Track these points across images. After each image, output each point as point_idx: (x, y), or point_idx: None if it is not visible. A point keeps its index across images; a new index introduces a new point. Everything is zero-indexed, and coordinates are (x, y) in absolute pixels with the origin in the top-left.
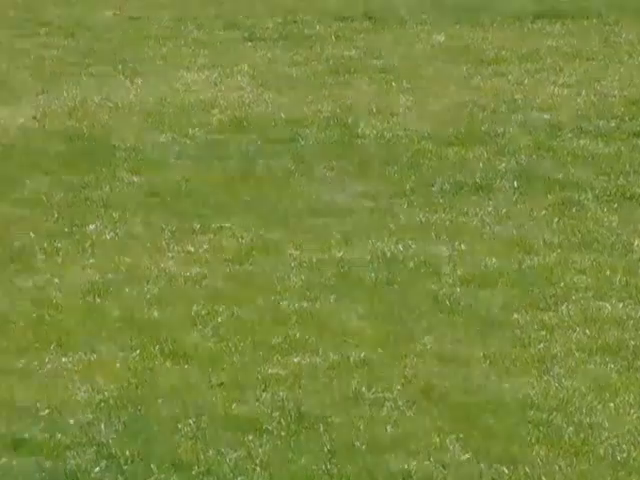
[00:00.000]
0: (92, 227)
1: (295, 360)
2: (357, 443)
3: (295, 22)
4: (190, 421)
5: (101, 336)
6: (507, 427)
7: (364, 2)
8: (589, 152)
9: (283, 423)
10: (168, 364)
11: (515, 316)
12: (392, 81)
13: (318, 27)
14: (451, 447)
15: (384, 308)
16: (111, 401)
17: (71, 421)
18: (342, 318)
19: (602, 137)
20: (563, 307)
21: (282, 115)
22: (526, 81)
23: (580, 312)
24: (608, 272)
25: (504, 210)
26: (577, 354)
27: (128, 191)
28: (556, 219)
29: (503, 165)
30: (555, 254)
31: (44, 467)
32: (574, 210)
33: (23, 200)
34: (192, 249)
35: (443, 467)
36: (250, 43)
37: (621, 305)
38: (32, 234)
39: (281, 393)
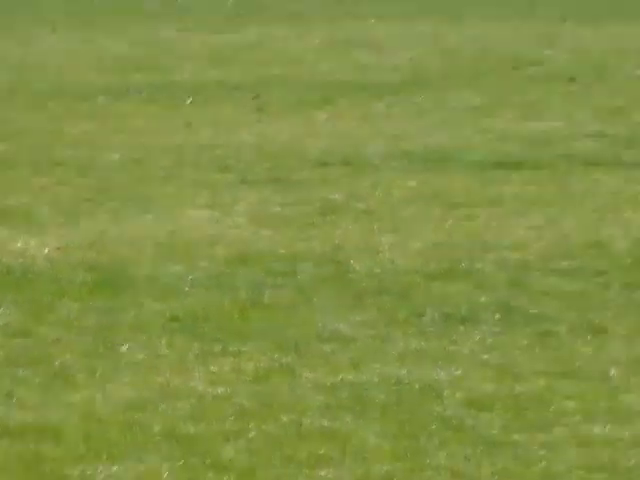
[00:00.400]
0: (124, 348)
1: (322, 474)
2: None
3: (282, 167)
4: None
5: (146, 448)
6: None
7: (341, 150)
8: (558, 289)
9: None
10: (211, 475)
11: (515, 437)
12: (375, 222)
13: (303, 172)
14: None
15: (397, 426)
16: None
17: None
18: (361, 435)
19: (568, 276)
20: (556, 429)
21: (281, 251)
22: (494, 224)
23: (572, 434)
24: (591, 397)
25: (490, 340)
26: (576, 472)
27: (151, 316)
28: (537, 349)
29: (483, 299)
30: (542, 381)
31: None
32: (552, 341)
33: (58, 322)
34: (215, 370)
35: None
36: (244, 185)
37: (608, 428)
38: (69, 355)
39: None
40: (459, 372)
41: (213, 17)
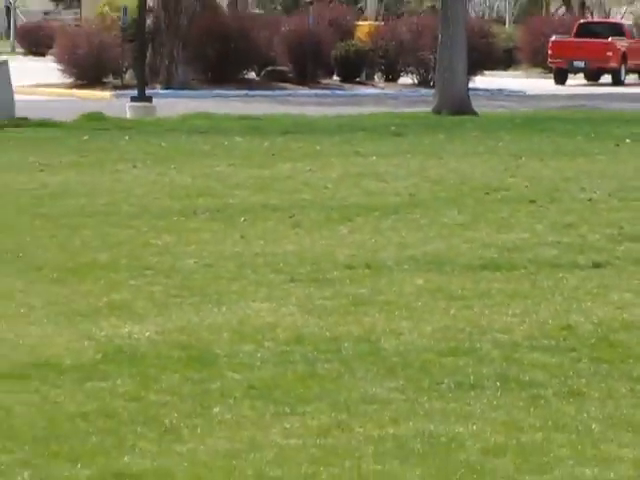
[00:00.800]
0: (216, 410)
1: None
2: None
3: (319, 270)
4: None
5: None
6: None
7: (362, 256)
8: (541, 362)
9: None
10: None
11: (526, 478)
12: (395, 311)
13: (335, 273)
14: None
15: (434, 470)
16: None
17: None
18: (407, 477)
19: (548, 352)
20: (556, 471)
21: (326, 334)
22: (486, 312)
23: (569, 475)
24: (580, 447)
25: (495, 402)
26: None
27: (233, 385)
28: (532, 409)
29: (485, 370)
30: (539, 433)
31: None
32: (542, 402)
33: (163, 390)
34: (288, 426)
35: None
36: (293, 283)
37: (596, 470)
38: (175, 414)
39: None
40: (475, 427)
41: (254, 155)
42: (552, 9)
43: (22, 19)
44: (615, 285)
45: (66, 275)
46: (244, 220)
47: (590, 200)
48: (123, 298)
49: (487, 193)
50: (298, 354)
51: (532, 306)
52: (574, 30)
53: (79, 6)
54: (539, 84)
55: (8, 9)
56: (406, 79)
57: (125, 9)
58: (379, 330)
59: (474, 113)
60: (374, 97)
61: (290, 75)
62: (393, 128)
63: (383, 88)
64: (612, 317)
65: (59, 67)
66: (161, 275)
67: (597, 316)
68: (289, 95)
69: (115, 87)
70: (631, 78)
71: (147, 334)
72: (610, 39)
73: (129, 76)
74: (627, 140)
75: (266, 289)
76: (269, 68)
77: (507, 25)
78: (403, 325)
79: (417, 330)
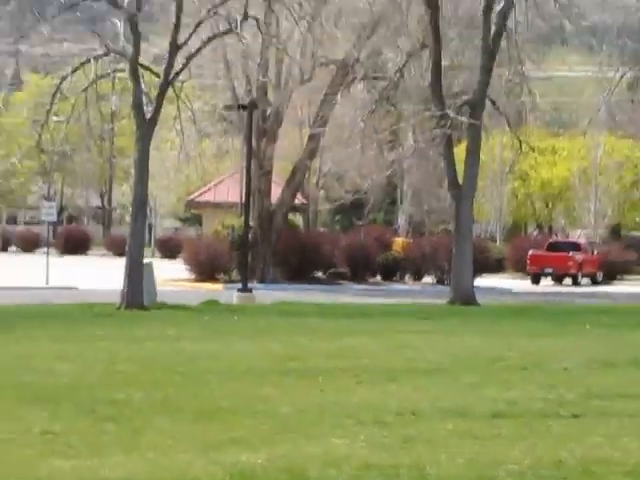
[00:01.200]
0: None
1: None
2: None
3: (378, 415)
4: None
5: None
6: None
7: (409, 406)
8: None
9: None
10: None
11: None
12: (434, 446)
13: (390, 418)
14: None
15: None
16: None
17: None
18: None
19: (546, 479)
20: None
21: (387, 463)
22: (499, 448)
23: None
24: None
25: None
26: None
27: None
28: None
29: None
30: None
31: None
32: None
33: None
34: None
35: None
36: (359, 425)
37: None
38: None
39: None
40: None
41: (325, 331)
42: (529, 231)
43: (159, 233)
44: (589, 431)
45: (200, 416)
46: (322, 379)
47: (565, 369)
48: (241, 434)
49: (494, 362)
50: (367, 477)
51: (531, 445)
52: (545, 246)
53: (200, 224)
54: (521, 284)
55: (150, 226)
56: (427, 279)
57: (233, 228)
58: (425, 460)
59: (478, 304)
60: (405, 291)
61: (347, 275)
62: (421, 314)
63: (411, 285)
64: (590, 454)
65: (186, 267)
66: (267, 417)
67: (579, 453)
68: (346, 289)
69: (225, 282)
70: (585, 281)
71: (259, 461)
72: (570, 253)
73: (235, 274)
74: (587, 326)
75: (341, 429)
76: (332, 270)
77: (498, 242)
78: (442, 457)
79: (452, 461)
